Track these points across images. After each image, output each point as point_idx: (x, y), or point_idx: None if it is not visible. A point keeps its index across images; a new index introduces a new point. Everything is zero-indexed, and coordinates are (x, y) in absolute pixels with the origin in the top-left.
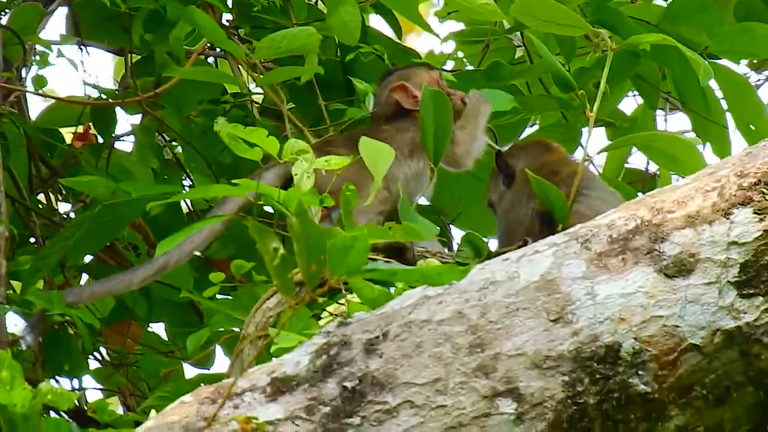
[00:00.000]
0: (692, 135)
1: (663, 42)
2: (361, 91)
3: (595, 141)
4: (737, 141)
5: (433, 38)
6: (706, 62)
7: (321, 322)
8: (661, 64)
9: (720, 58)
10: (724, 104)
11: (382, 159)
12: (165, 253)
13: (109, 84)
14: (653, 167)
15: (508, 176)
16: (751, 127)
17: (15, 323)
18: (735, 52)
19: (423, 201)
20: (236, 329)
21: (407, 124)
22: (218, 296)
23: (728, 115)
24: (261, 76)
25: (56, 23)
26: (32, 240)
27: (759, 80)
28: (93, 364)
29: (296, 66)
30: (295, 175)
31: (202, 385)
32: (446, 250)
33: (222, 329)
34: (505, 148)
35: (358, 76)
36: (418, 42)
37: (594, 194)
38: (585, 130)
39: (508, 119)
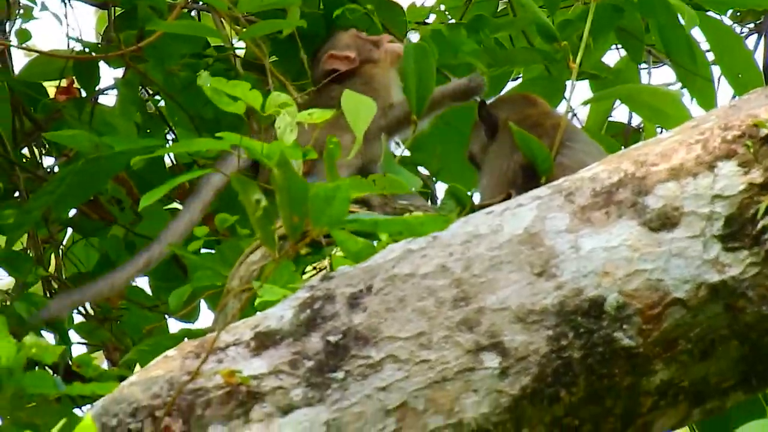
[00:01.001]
0: (677, 87)
1: None
2: None
3: (579, 94)
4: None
5: None
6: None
7: (305, 276)
8: (646, 15)
9: (706, 10)
10: (709, 56)
11: (364, 113)
12: (147, 250)
13: (93, 38)
14: (636, 120)
15: (491, 127)
16: (739, 75)
17: (1, 277)
18: (720, 2)
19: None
20: (220, 284)
21: (354, 80)
22: (202, 250)
23: (713, 68)
24: (244, 30)
25: None
26: (16, 194)
27: (743, 32)
28: (77, 319)
29: (278, 19)
30: (278, 128)
31: (186, 339)
32: (429, 204)
33: (206, 284)
34: (489, 101)
35: (343, 27)
36: None
37: (577, 146)
38: (569, 82)
39: (491, 72)
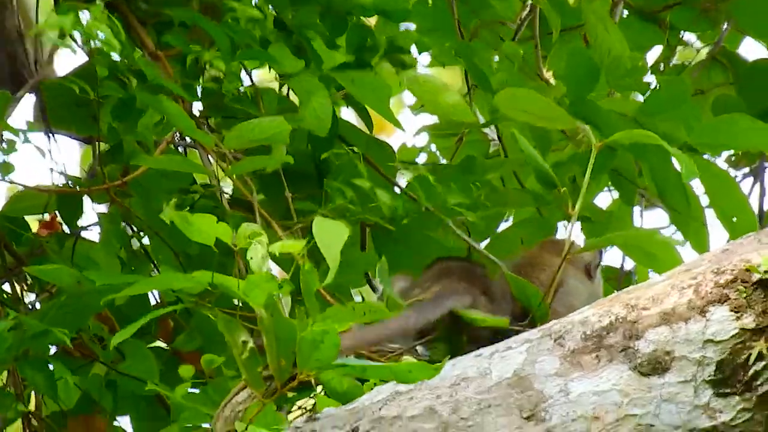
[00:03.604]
0: (670, 231)
1: (647, 140)
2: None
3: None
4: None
5: (407, 131)
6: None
7: (290, 417)
8: (638, 158)
9: (700, 152)
10: (703, 200)
11: (336, 239)
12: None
13: (77, 172)
14: (629, 264)
15: None
16: (734, 219)
17: None
18: (715, 145)
19: None
20: (206, 425)
21: None
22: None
23: (707, 211)
24: (230, 167)
25: (24, 110)
26: None
27: (737, 176)
28: None
29: (264, 156)
30: (251, 259)
31: None
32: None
33: (192, 424)
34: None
35: (330, 169)
36: (392, 135)
37: (564, 289)
38: (561, 224)
39: (483, 213)
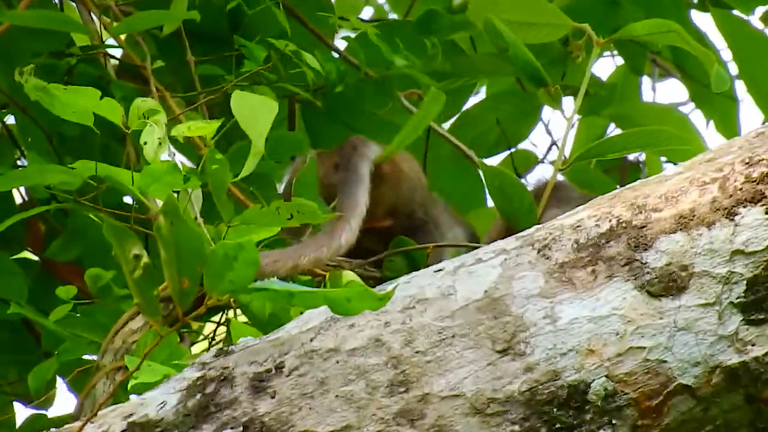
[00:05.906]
0: (689, 108)
1: (668, 28)
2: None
3: (559, 115)
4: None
5: None
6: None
7: (195, 349)
8: (650, 14)
9: (729, 7)
10: (731, 68)
11: (262, 116)
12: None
13: None
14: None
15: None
16: None
17: None
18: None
19: None
20: (90, 356)
21: None
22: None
23: (737, 83)
24: (117, 24)
25: None
26: None
27: None
28: None
29: (160, 10)
30: (144, 144)
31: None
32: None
33: (73, 358)
34: None
35: (247, 27)
36: None
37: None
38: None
39: (447, 84)
